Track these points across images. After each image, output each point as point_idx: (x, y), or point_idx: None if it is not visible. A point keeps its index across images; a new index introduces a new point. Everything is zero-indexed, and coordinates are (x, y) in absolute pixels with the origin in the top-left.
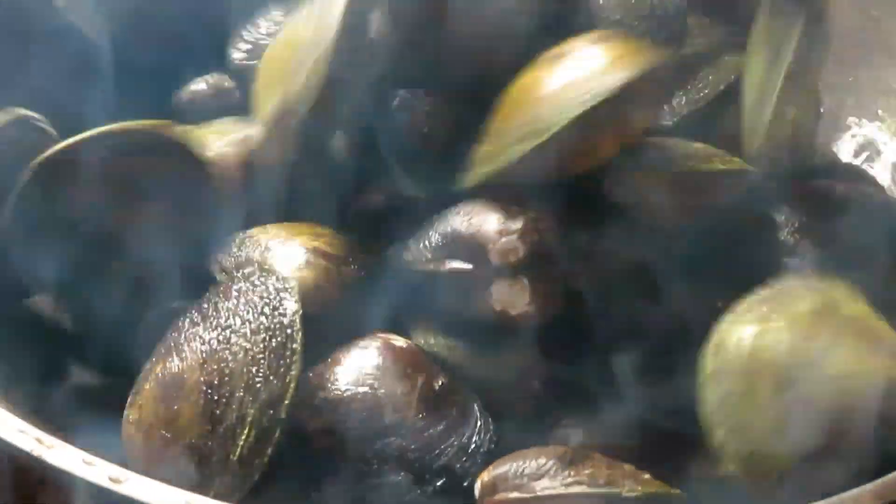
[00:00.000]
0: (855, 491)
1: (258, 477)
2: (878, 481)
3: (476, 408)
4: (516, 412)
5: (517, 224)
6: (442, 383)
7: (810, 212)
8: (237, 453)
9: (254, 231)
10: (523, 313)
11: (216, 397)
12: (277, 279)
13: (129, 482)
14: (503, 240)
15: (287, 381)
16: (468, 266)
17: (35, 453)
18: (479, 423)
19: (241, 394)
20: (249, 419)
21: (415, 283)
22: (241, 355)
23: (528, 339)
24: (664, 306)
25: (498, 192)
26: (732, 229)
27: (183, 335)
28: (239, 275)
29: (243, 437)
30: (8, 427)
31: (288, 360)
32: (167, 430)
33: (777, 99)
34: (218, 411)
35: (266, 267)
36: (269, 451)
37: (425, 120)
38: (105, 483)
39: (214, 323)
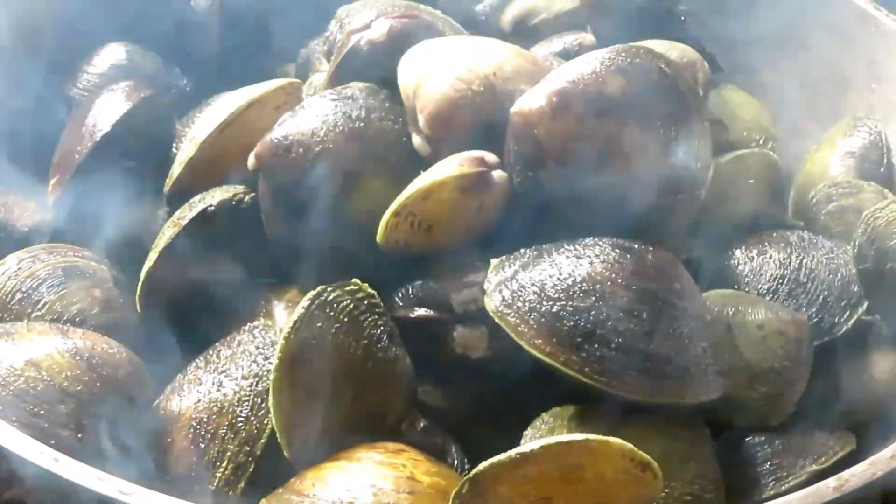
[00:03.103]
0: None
1: None
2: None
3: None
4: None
5: (479, 277)
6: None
7: None
8: (215, 484)
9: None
10: (482, 357)
11: (202, 432)
12: (276, 332)
13: (137, 495)
14: (465, 291)
15: (265, 422)
16: (432, 313)
17: (54, 470)
18: None
19: (224, 431)
20: (228, 454)
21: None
22: (229, 396)
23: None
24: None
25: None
26: None
27: (187, 377)
28: (246, 328)
29: (221, 469)
30: (29, 448)
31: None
32: (162, 457)
33: None
34: (203, 445)
35: (269, 322)
36: (243, 484)
37: None
38: (115, 495)
39: (213, 367)
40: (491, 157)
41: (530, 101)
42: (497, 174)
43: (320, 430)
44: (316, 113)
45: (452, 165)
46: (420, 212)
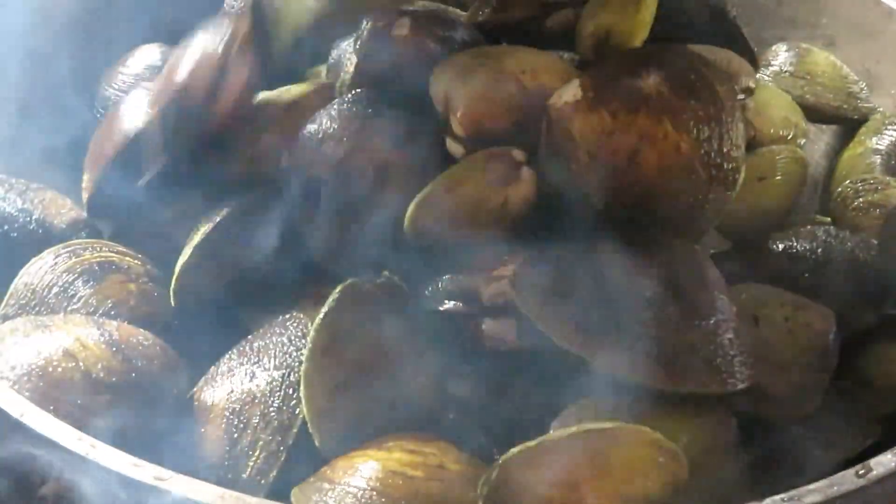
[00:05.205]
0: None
1: (264, 494)
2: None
3: None
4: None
5: (507, 270)
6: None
7: None
8: (248, 472)
9: None
10: (511, 349)
11: (236, 422)
12: (308, 325)
13: (171, 480)
14: (494, 284)
15: (297, 412)
16: (461, 306)
17: (90, 457)
18: None
19: (257, 421)
20: (261, 443)
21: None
22: (262, 387)
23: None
24: None
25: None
26: None
27: (220, 368)
28: (278, 320)
29: (254, 458)
30: (67, 436)
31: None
32: (196, 447)
33: None
34: (236, 435)
35: (301, 314)
36: (275, 472)
37: None
38: (151, 481)
39: (246, 359)
40: (518, 154)
41: (566, 94)
42: (524, 171)
43: (350, 420)
44: (346, 109)
45: (478, 161)
46: (446, 204)
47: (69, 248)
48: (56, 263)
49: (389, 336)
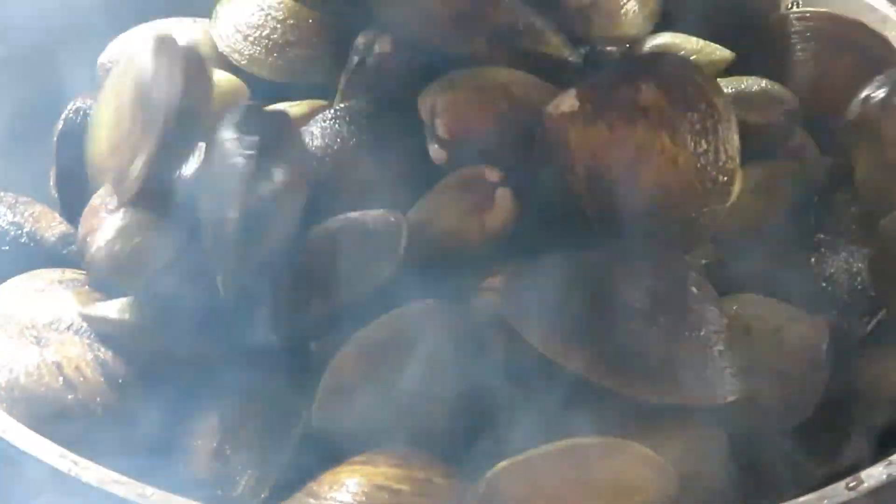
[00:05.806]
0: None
1: None
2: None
3: None
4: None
5: (495, 281)
6: None
7: None
8: (239, 490)
9: None
10: (501, 361)
11: (228, 439)
12: None
13: (155, 497)
14: (482, 295)
15: (291, 430)
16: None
17: (73, 474)
18: None
19: (250, 438)
20: (253, 461)
21: None
22: (255, 404)
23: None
24: None
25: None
26: None
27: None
28: None
29: (246, 476)
30: (49, 453)
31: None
32: (186, 463)
33: None
34: (228, 451)
35: None
36: (266, 493)
37: None
38: (133, 498)
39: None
40: (492, 175)
41: (563, 104)
42: (500, 194)
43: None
44: (328, 127)
45: (451, 190)
46: (421, 242)
47: (33, 274)
48: (18, 286)
49: None
